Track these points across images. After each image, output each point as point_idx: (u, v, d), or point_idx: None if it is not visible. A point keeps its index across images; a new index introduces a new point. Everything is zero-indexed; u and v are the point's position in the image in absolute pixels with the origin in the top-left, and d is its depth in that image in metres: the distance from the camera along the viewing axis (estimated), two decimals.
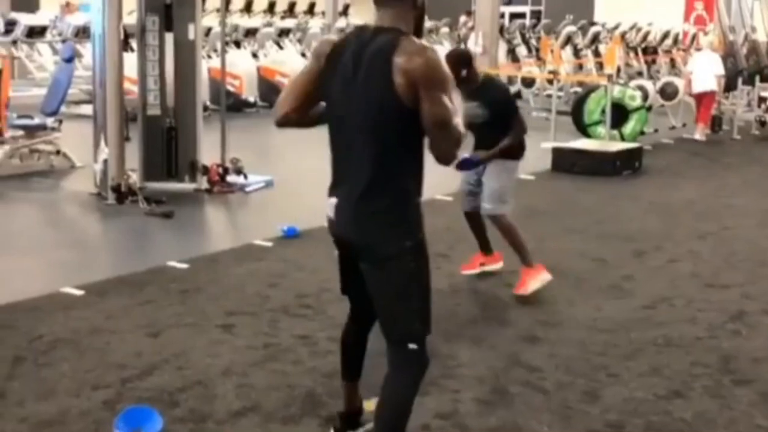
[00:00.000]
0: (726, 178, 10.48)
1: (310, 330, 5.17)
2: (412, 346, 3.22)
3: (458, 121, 3.05)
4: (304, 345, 4.95)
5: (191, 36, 8.83)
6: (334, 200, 3.26)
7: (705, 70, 13.48)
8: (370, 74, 3.05)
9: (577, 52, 19.14)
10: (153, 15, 8.70)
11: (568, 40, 17.61)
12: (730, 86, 16.51)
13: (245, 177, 9.05)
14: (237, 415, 4.07)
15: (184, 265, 6.37)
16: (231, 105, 11.31)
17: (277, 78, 16.05)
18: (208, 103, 14.20)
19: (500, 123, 5.66)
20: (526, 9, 29.87)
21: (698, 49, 18.94)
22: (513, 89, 16.29)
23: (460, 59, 5.60)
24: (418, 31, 3.20)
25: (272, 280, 6.09)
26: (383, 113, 3.05)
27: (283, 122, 3.36)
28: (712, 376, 4.65)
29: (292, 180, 9.58)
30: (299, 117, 3.36)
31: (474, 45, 13.96)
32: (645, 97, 13.13)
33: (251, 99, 15.62)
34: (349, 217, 3.21)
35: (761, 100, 14.24)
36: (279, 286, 5.98)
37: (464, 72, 5.51)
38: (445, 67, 3.06)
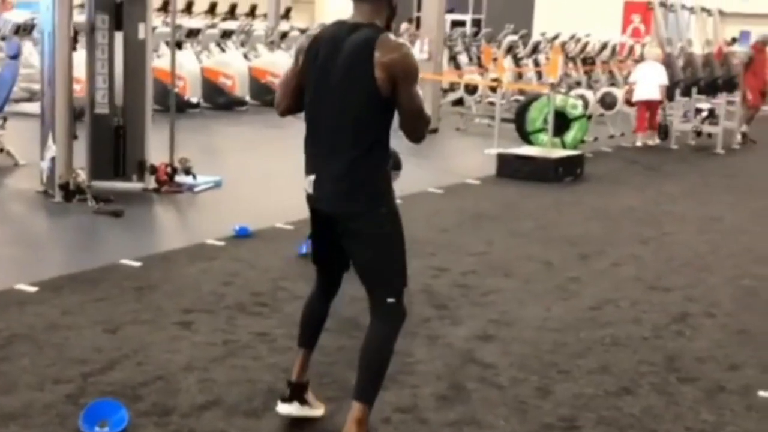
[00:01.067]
0: (664, 186, 10.77)
1: (268, 327, 5.24)
2: (391, 300, 3.66)
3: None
4: (262, 342, 5.01)
5: (141, 35, 8.82)
6: (312, 177, 3.65)
7: (650, 80, 13.94)
8: (352, 64, 3.47)
9: (517, 61, 19.44)
10: (103, 13, 8.68)
11: (510, 49, 17.88)
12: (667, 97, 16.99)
13: (194, 177, 9.06)
14: (201, 409, 4.12)
15: (137, 263, 6.38)
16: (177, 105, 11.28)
17: (221, 80, 16.07)
18: (198, 100, 14.42)
19: None
20: (467, 17, 30.21)
21: (636, 61, 19.43)
22: (455, 96, 16.52)
23: None
24: (389, 26, 3.59)
25: (226, 279, 6.14)
26: (362, 100, 3.49)
27: (285, 114, 3.88)
28: (658, 374, 4.82)
29: (239, 181, 9.61)
30: (297, 107, 3.78)
31: (419, 52, 14.11)
32: (585, 106, 13.42)
33: (194, 100, 15.58)
34: (330, 191, 3.61)
35: (697, 111, 14.62)
36: (233, 285, 6.03)
37: None
38: (416, 61, 3.53)
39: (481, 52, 19.87)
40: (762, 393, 4.61)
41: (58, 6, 8.18)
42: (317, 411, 4.08)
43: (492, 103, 16.99)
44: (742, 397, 4.57)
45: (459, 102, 16.67)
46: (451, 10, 29.48)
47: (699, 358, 5.10)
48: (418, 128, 3.59)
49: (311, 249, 4.07)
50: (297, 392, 3.99)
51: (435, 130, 14.22)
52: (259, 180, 9.94)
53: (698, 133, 14.23)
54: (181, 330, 5.15)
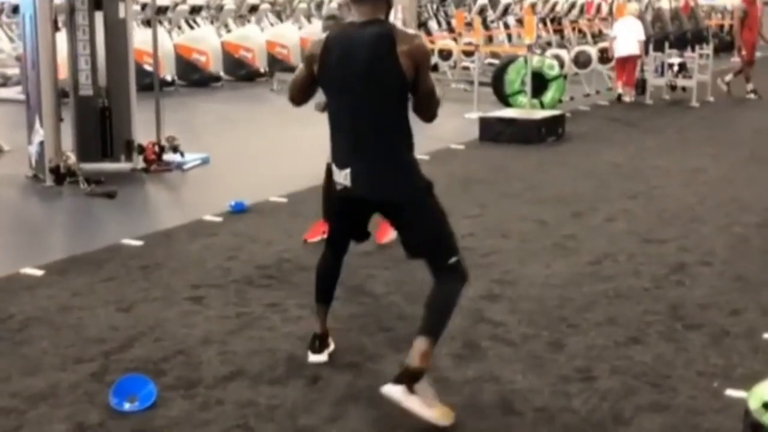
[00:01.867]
0: (645, 141, 10.90)
1: (278, 298, 5.31)
2: (453, 259, 3.91)
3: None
4: (274, 312, 5.09)
5: (122, 14, 8.79)
6: (347, 170, 3.85)
7: (628, 36, 14.12)
8: (375, 57, 3.72)
9: (487, 25, 19.48)
10: None
11: (480, 12, 17.91)
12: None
13: (182, 155, 9.08)
14: (225, 380, 4.20)
15: (139, 242, 6.42)
16: (149, 84, 11.19)
17: (195, 56, 15.99)
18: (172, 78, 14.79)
19: None
20: None
21: (603, 19, 19.53)
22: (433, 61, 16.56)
23: None
24: (389, 13, 3.90)
25: (229, 254, 6.20)
26: (389, 87, 3.75)
27: (302, 104, 4.16)
28: (663, 322, 4.96)
29: (226, 157, 9.63)
30: (308, 98, 4.15)
31: (394, 18, 14.11)
32: (561, 66, 13.52)
33: (169, 78, 15.50)
34: (370, 179, 3.85)
35: (669, 66, 14.72)
36: (237, 259, 6.09)
37: None
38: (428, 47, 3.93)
39: (450, 17, 19.88)
40: (766, 335, 4.75)
41: None
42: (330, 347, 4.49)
43: (467, 68, 17.10)
44: (747, 340, 4.71)
45: (433, 68, 16.68)
46: None
47: (701, 305, 5.23)
48: (432, 107, 3.92)
49: (329, 232, 4.42)
50: (324, 341, 4.41)
51: None
52: (245, 155, 9.97)
53: (673, 87, 14.36)
54: (193, 305, 5.21)
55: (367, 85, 3.75)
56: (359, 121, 3.81)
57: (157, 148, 8.96)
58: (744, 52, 14.92)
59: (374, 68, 3.73)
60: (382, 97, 3.77)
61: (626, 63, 14.42)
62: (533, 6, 19.95)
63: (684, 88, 14.20)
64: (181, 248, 6.35)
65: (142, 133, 8.97)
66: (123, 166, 8.87)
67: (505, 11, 19.39)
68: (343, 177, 3.88)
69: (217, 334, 4.77)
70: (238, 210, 7.29)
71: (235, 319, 5.00)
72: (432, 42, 16.85)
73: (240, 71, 16.68)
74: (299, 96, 4.12)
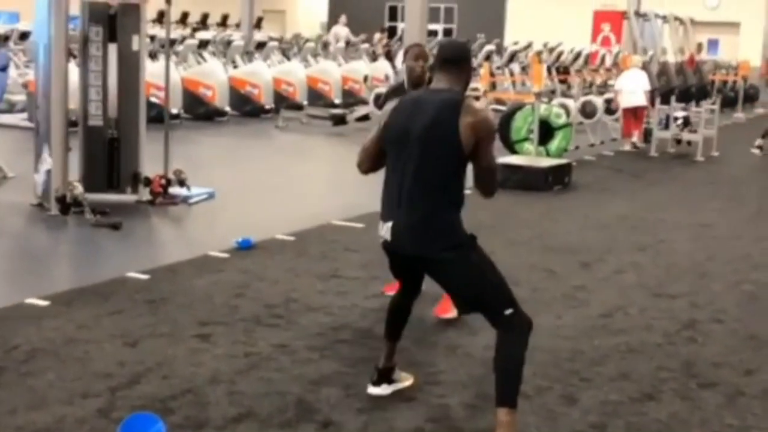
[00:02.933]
0: (651, 193, 10.88)
1: (286, 339, 5.24)
2: (508, 311, 3.91)
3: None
4: (283, 354, 5.02)
5: (135, 47, 8.80)
6: (389, 223, 3.95)
7: (634, 87, 14.39)
8: (437, 123, 3.82)
9: (491, 71, 19.58)
10: (96, 25, 8.65)
11: (488, 58, 18.00)
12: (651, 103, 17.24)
13: (188, 189, 9.03)
14: (234, 421, 4.13)
15: (145, 276, 6.36)
16: (155, 116, 11.15)
17: (201, 90, 16.00)
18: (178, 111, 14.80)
19: None
20: (438, 27, 30.34)
21: (608, 70, 19.65)
22: None
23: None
24: (466, 87, 4.06)
25: (237, 291, 6.13)
26: (444, 155, 3.84)
27: (368, 173, 4.26)
28: (677, 380, 4.90)
29: (232, 192, 9.59)
30: (378, 168, 4.19)
31: (401, 62, 14.16)
32: (567, 114, 13.54)
33: (175, 111, 15.49)
34: (409, 237, 3.91)
35: (674, 119, 14.73)
36: (245, 297, 6.02)
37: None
38: (494, 124, 3.98)
39: None
40: None
41: (54, 18, 8.13)
42: (407, 382, 4.57)
43: None
44: (763, 401, 4.65)
45: None
46: None
47: (714, 363, 5.17)
48: (492, 183, 4.00)
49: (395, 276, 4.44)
50: (385, 375, 4.48)
51: None
52: (250, 191, 9.93)
53: (678, 141, 14.40)
54: (201, 342, 5.14)
55: (424, 147, 3.84)
56: (409, 180, 3.88)
57: (164, 181, 8.92)
58: None
59: (433, 132, 3.83)
60: (435, 161, 3.84)
61: (633, 114, 14.56)
62: (539, 54, 20.14)
63: (689, 142, 14.23)
64: (187, 283, 6.29)
65: (148, 166, 8.93)
66: (128, 197, 8.83)
67: (512, 58, 19.52)
68: (385, 230, 3.98)
69: (225, 373, 4.70)
70: (245, 247, 7.24)
71: (243, 358, 4.93)
72: None
73: (246, 107, 16.70)
74: (367, 162, 4.18)
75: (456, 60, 4.02)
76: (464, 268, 3.90)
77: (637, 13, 19.10)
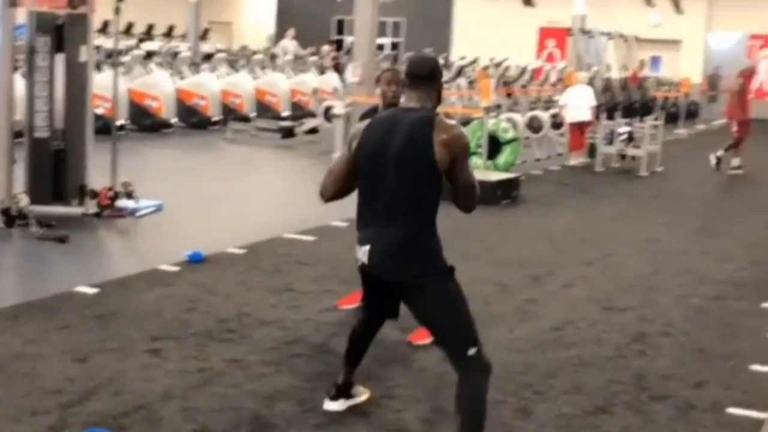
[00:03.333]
0: (597, 208, 11.01)
1: (240, 354, 5.20)
2: (471, 351, 3.79)
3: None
4: (237, 368, 4.97)
5: (83, 57, 8.68)
6: (366, 247, 3.83)
7: (579, 102, 14.64)
8: (411, 141, 3.74)
9: None
10: (43, 35, 8.53)
11: None
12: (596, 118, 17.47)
13: (136, 201, 8.92)
14: None
15: (94, 290, 6.26)
16: (100, 128, 10.98)
17: (147, 101, 15.85)
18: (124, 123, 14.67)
19: None
20: (386, 41, 30.43)
21: (553, 85, 19.88)
22: None
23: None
24: (438, 104, 3.94)
25: (188, 305, 6.07)
26: (420, 174, 3.74)
27: (331, 201, 4.10)
28: (629, 392, 4.95)
29: (179, 204, 9.48)
30: (343, 195, 4.08)
31: (351, 75, 14.21)
32: (514, 129, 13.65)
33: (120, 122, 15.31)
34: (386, 261, 3.81)
35: (618, 134, 14.90)
36: (196, 311, 5.96)
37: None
38: (468, 140, 3.86)
39: None
40: (730, 410, 4.76)
41: (0, 28, 7.99)
42: (363, 396, 4.52)
43: None
44: (713, 413, 4.72)
45: None
46: None
47: (664, 376, 5.24)
48: (471, 199, 3.92)
49: (364, 303, 4.28)
50: (343, 390, 4.43)
51: None
52: (199, 204, 9.84)
53: (622, 156, 14.60)
54: (152, 358, 5.07)
55: (398, 167, 3.75)
56: (385, 201, 3.79)
57: (111, 194, 8.80)
58: (735, 128, 14.55)
59: (407, 151, 3.74)
60: (410, 181, 3.75)
61: (578, 129, 14.77)
62: (486, 69, 20.32)
63: (634, 157, 14.43)
64: (137, 297, 6.20)
65: (94, 178, 8.80)
66: (75, 210, 8.69)
67: (459, 73, 19.64)
68: (362, 253, 3.86)
69: (178, 389, 4.64)
70: (196, 260, 7.16)
71: (196, 373, 4.87)
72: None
73: (193, 118, 16.58)
74: (333, 187, 4.01)
75: (426, 76, 3.91)
76: (440, 296, 3.81)
77: (582, 30, 19.34)
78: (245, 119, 16.87)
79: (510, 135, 13.00)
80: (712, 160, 14.84)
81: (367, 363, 5.04)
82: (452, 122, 3.89)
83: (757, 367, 5.44)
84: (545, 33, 30.18)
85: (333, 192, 4.03)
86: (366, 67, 14.05)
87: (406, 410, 4.55)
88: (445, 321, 3.83)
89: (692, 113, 24.37)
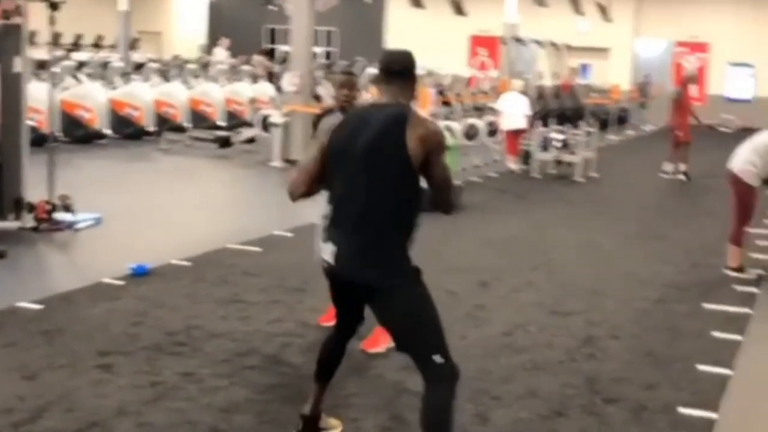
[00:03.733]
0: (537, 213, 11.11)
1: (192, 367, 5.13)
2: (438, 358, 3.64)
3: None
4: (190, 382, 4.90)
5: (17, 68, 8.50)
6: (334, 248, 3.69)
7: (515, 110, 14.91)
8: (383, 137, 3.61)
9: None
10: None
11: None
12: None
13: (74, 214, 8.75)
14: None
15: (37, 306, 6.12)
16: (33, 139, 10.75)
17: (80, 112, 15.57)
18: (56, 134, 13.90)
19: None
20: (320, 50, 30.37)
21: (485, 93, 20.03)
22: None
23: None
24: (412, 99, 3.80)
25: (135, 319, 5.97)
26: (392, 171, 3.60)
27: (299, 200, 3.95)
28: (583, 396, 5.00)
29: (118, 217, 9.31)
30: (311, 194, 3.95)
31: (288, 84, 14.14)
32: (453, 137, 13.73)
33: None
34: (352, 260, 3.67)
35: (552, 141, 15.06)
36: (144, 325, 5.86)
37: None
38: (443, 135, 3.72)
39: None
40: (682, 410, 4.85)
41: None
42: (335, 430, 4.31)
43: None
44: (665, 415, 4.80)
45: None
46: None
47: (615, 379, 5.31)
48: (448, 198, 3.79)
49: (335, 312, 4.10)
50: (311, 424, 4.19)
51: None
52: (139, 215, 9.70)
53: (558, 162, 14.78)
54: (103, 373, 4.98)
55: (370, 164, 3.62)
56: (355, 199, 3.66)
57: (48, 207, 8.62)
58: (680, 133, 14.78)
59: (379, 146, 3.61)
60: (383, 179, 3.61)
61: (513, 136, 14.95)
62: (422, 78, 20.41)
63: (569, 164, 14.62)
64: (83, 312, 6.08)
65: (30, 191, 8.61)
66: (11, 224, 8.47)
67: None
68: (327, 253, 3.72)
69: (131, 404, 4.56)
70: (140, 273, 7.05)
71: (149, 388, 4.79)
72: (322, 108, 16.93)
73: (126, 129, 16.31)
74: (304, 185, 3.86)
75: (400, 72, 3.77)
76: (406, 300, 3.67)
77: (515, 38, 19.56)
78: (180, 129, 16.66)
79: (450, 143, 13.07)
80: (680, 176, 14.93)
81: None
82: (428, 118, 3.77)
83: (704, 368, 5.55)
84: (477, 41, 30.45)
85: (305, 189, 3.88)
86: (303, 76, 13.99)
87: (363, 419, 4.53)
88: (412, 325, 3.68)
89: (622, 120, 24.81)
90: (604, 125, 22.70)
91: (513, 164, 14.99)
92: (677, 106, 14.90)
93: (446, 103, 19.73)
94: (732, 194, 8.18)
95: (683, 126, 14.84)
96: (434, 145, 3.62)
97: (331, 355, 4.14)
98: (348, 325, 4.07)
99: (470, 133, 15.30)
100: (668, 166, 15.08)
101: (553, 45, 22.12)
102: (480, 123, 15.66)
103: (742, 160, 8.03)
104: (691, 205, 12.62)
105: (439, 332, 3.72)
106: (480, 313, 6.54)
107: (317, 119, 5.47)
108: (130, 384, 4.83)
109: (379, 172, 3.62)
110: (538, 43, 21.39)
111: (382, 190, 3.63)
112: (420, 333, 3.69)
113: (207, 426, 4.34)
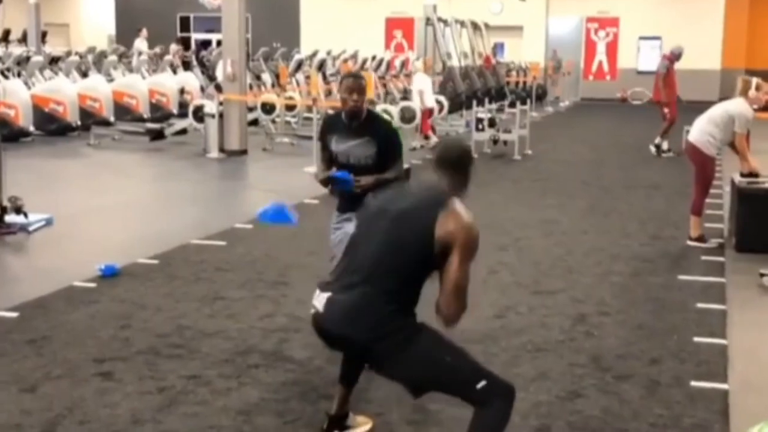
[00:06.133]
0: (487, 193, 11.09)
1: (195, 369, 4.97)
2: (480, 384, 3.47)
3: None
4: (198, 385, 4.75)
5: None
6: (326, 295, 3.55)
7: (428, 90, 15.81)
8: (413, 210, 3.53)
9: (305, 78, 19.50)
10: None
11: (299, 67, 17.92)
12: (453, 108, 17.78)
13: (26, 216, 8.42)
14: None
15: (13, 314, 5.86)
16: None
17: (2, 110, 15.01)
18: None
19: (383, 159, 5.21)
20: None
21: (407, 75, 20.00)
22: (254, 115, 16.31)
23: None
24: (462, 190, 3.72)
25: (121, 322, 5.76)
26: (412, 246, 3.48)
27: None
28: (593, 375, 5.01)
29: (69, 216, 9.01)
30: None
31: (223, 72, 13.86)
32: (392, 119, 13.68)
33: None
34: (343, 317, 3.51)
35: (479, 120, 15.09)
36: (132, 328, 5.66)
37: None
38: (478, 238, 3.51)
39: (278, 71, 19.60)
40: (693, 383, 4.89)
41: None
42: (364, 427, 4.20)
43: (288, 123, 17.04)
44: (680, 389, 4.83)
45: (254, 123, 16.47)
46: (211, 30, 29.22)
47: (619, 355, 5.34)
48: (455, 305, 3.50)
49: None
50: (337, 423, 4.11)
51: (245, 152, 14.04)
52: (88, 214, 9.39)
53: (495, 141, 14.85)
54: (105, 381, 4.79)
55: (394, 229, 3.53)
56: (365, 259, 3.56)
57: None
58: (667, 110, 14.79)
59: (405, 219, 3.53)
60: (401, 251, 3.49)
61: (428, 114, 15.90)
62: (345, 62, 20.31)
63: (505, 142, 14.71)
64: (63, 318, 5.84)
65: None
66: None
67: (321, 66, 19.48)
68: (319, 301, 3.58)
69: (144, 411, 4.39)
70: (109, 274, 6.82)
71: (157, 394, 4.62)
72: (255, 95, 16.67)
73: (51, 125, 15.81)
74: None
75: (452, 165, 3.70)
76: (404, 363, 3.47)
77: (440, 19, 19.57)
78: (107, 123, 16.23)
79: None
80: (652, 149, 15.00)
81: (324, 366, 4.96)
82: (468, 213, 3.57)
83: (699, 339, 5.62)
84: (392, 24, 30.41)
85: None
86: (237, 63, 13.73)
87: (387, 413, 4.45)
88: (428, 382, 3.54)
89: (540, 97, 25.12)
90: (523, 103, 22.94)
91: (427, 138, 15.57)
92: (665, 82, 14.83)
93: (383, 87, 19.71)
94: (692, 165, 8.33)
95: (671, 103, 14.88)
96: (462, 239, 3.45)
97: (352, 362, 4.09)
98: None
99: (407, 116, 15.26)
100: (664, 144, 15.06)
101: (474, 24, 22.19)
102: (415, 105, 15.63)
103: (700, 131, 8.18)
104: (628, 177, 12.78)
105: (466, 366, 3.55)
106: None
107: (323, 126, 5.41)
108: (137, 391, 4.65)
109: (400, 244, 3.51)
110: (460, 23, 21.44)
111: (397, 261, 3.51)
112: (445, 382, 3.54)
113: (229, 430, 4.20)
